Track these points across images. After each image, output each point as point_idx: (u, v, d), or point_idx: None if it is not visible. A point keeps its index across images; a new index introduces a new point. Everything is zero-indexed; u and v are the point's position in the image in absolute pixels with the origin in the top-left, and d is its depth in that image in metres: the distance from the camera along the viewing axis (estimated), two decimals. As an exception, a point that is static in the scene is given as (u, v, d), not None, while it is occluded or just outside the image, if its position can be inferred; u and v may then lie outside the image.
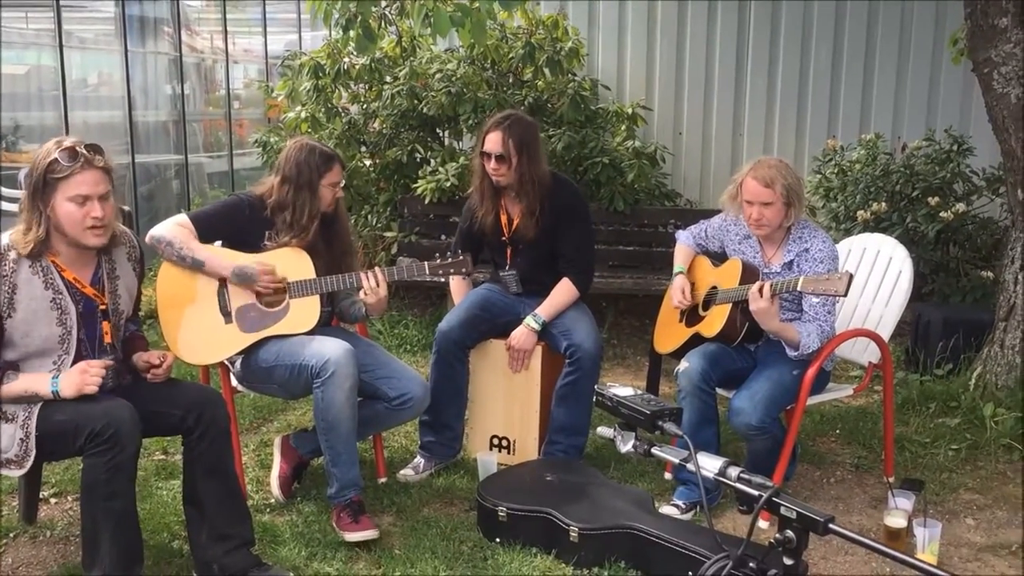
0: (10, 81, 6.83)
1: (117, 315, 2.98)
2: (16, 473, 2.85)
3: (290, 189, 3.45)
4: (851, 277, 3.16)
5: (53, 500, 3.63)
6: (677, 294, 3.77)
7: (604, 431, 2.19)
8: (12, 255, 2.78)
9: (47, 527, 3.42)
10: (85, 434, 2.68)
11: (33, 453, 2.77)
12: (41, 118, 7.12)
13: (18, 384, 2.77)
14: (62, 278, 2.85)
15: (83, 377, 2.77)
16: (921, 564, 1.75)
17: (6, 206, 5.78)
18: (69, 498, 3.63)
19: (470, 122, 5.88)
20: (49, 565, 3.18)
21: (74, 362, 2.86)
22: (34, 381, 2.79)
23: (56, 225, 2.79)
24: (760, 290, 3.29)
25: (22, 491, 3.40)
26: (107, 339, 2.95)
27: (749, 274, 3.53)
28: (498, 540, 3.31)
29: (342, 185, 3.60)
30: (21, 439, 2.77)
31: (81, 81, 7.65)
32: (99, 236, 2.83)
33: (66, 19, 6.86)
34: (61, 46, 6.70)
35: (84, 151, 2.76)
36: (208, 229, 3.46)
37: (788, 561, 1.84)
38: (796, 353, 3.42)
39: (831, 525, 1.78)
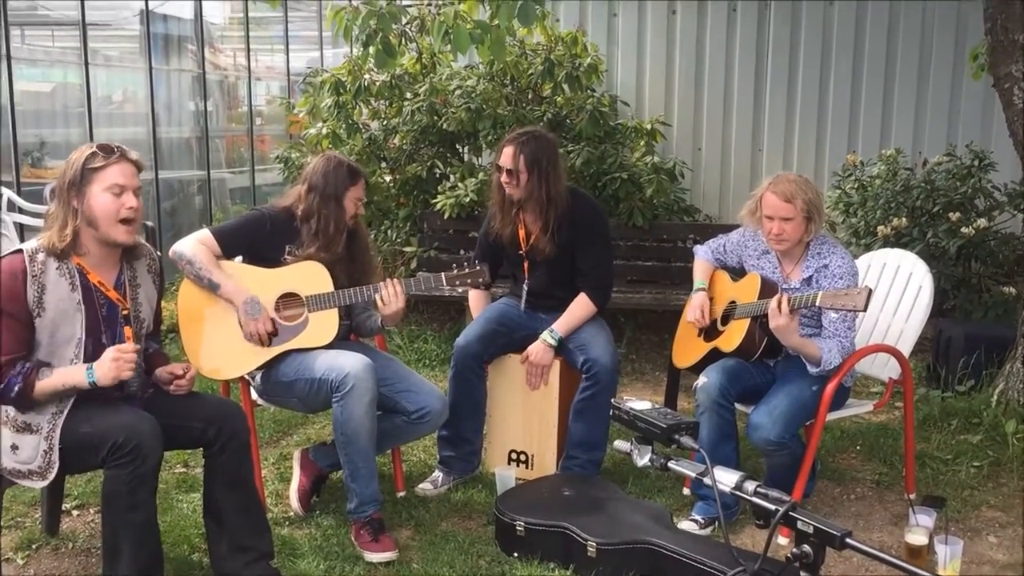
0: (36, 98, 6.94)
1: (138, 323, 3.01)
2: (38, 485, 2.88)
3: (316, 198, 3.49)
4: (870, 292, 3.14)
5: (75, 512, 3.67)
6: (694, 312, 3.76)
7: (621, 445, 2.19)
8: (40, 256, 2.83)
9: (69, 539, 3.45)
10: (108, 446, 2.70)
11: (56, 465, 2.80)
12: (66, 135, 7.22)
13: (53, 379, 2.80)
14: (88, 280, 2.89)
15: (117, 364, 2.79)
16: (941, 581, 1.74)
17: (31, 221, 5.85)
18: (91, 510, 3.66)
19: (489, 138, 5.91)
20: (71, 576, 3.22)
21: None
22: (69, 374, 2.81)
23: (89, 219, 2.84)
24: (779, 305, 3.28)
25: (44, 503, 3.43)
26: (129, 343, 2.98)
27: (768, 289, 3.52)
28: (516, 555, 3.31)
29: (363, 201, 3.64)
30: (45, 451, 2.80)
31: (106, 98, 7.76)
32: (129, 233, 2.89)
33: (92, 37, 6.97)
34: (87, 64, 6.82)
35: (118, 147, 2.89)
36: (230, 244, 3.50)
37: (805, 576, 1.83)
38: (817, 369, 3.41)
39: (848, 540, 1.77)
